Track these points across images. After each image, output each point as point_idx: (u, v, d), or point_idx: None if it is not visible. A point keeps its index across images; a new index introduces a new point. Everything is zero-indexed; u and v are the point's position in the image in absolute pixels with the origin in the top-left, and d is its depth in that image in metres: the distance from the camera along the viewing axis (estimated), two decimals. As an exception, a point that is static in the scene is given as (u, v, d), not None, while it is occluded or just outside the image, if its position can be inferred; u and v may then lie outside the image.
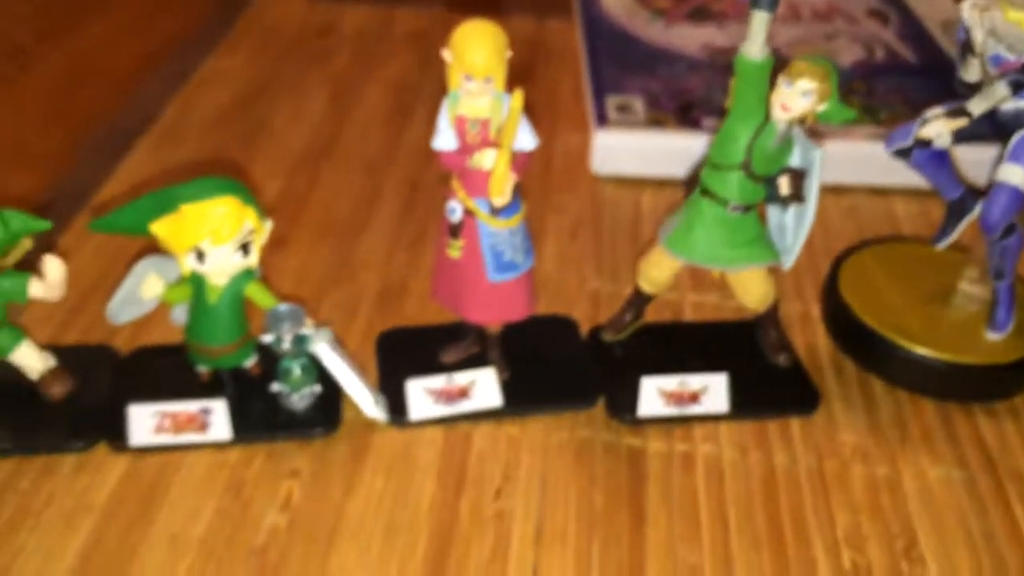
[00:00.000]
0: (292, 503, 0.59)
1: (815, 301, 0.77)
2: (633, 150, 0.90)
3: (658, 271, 0.67)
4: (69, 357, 0.66)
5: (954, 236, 0.69)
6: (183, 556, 0.56)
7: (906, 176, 0.89)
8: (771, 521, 0.59)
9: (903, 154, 0.66)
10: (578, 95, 1.03)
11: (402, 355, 0.69)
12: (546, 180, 0.91)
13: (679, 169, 0.89)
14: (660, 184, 0.90)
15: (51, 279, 0.60)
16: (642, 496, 0.61)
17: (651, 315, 0.73)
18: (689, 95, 0.94)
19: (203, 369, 0.65)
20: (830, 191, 0.89)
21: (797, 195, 0.61)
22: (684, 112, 0.92)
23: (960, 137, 0.63)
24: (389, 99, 1.03)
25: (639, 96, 0.94)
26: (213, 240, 0.57)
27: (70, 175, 0.87)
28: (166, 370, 0.67)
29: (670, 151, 0.89)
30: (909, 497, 0.61)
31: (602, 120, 0.90)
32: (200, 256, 0.58)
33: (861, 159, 0.89)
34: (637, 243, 0.83)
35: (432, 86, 1.05)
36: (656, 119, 0.91)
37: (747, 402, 0.66)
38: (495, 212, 0.60)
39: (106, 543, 0.57)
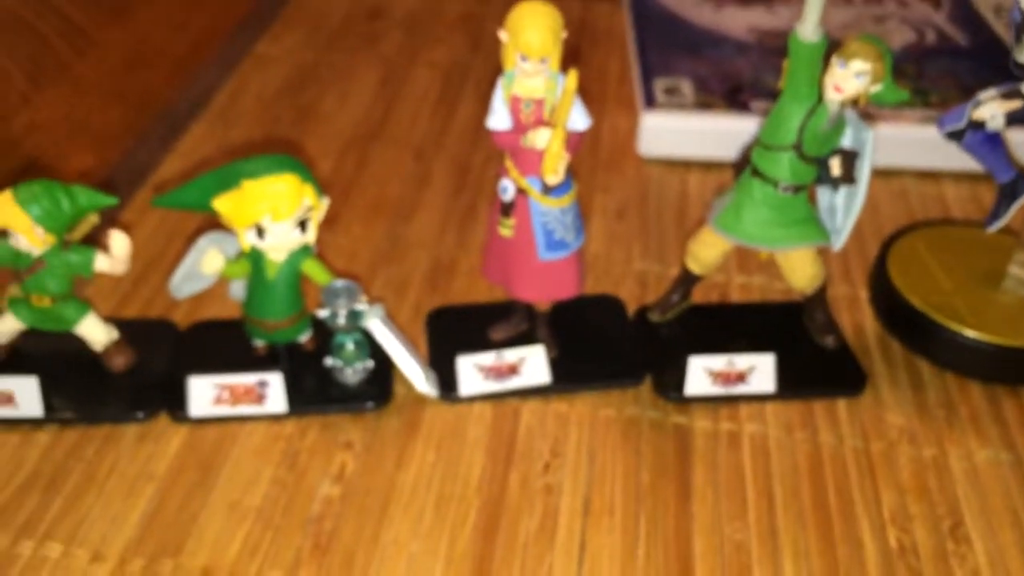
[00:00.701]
0: (345, 475, 0.61)
1: (863, 284, 0.77)
2: (680, 132, 0.90)
3: (707, 251, 0.68)
4: (131, 330, 0.68)
5: (1006, 219, 0.69)
6: (241, 524, 0.58)
7: (956, 160, 0.88)
8: (817, 500, 0.60)
9: (955, 136, 0.66)
10: (625, 77, 1.03)
11: (452, 332, 0.70)
12: (594, 161, 0.91)
13: (727, 152, 0.89)
14: (707, 167, 0.91)
15: (117, 253, 0.61)
16: (688, 473, 0.61)
17: (697, 296, 0.74)
18: (737, 77, 0.94)
19: (259, 343, 0.67)
20: (879, 174, 0.89)
21: (848, 176, 0.62)
22: (732, 94, 0.92)
23: (1014, 119, 0.63)
24: (438, 82, 1.04)
25: (687, 78, 0.94)
26: (273, 216, 0.59)
27: (129, 154, 0.89)
28: (224, 344, 0.69)
29: (718, 133, 0.89)
30: (956, 479, 0.61)
31: (650, 102, 0.90)
32: (260, 232, 0.60)
33: (911, 142, 0.89)
34: (683, 225, 0.84)
35: (481, 69, 1.06)
36: (704, 101, 0.91)
37: (794, 383, 0.67)
38: (547, 191, 0.61)
39: (167, 510, 0.59)
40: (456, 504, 0.59)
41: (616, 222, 0.84)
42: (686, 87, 0.93)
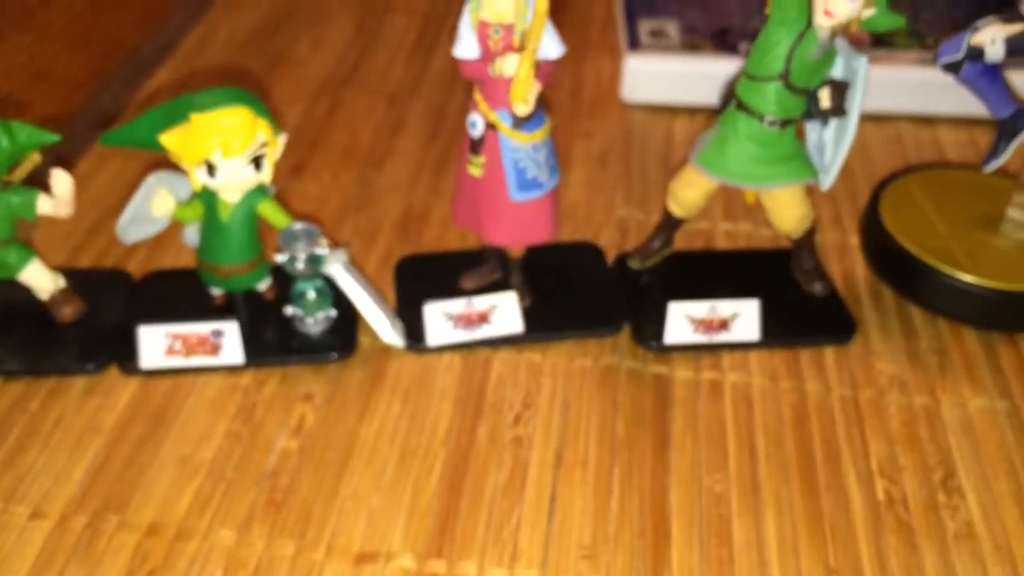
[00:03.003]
0: (305, 427, 0.58)
1: (854, 231, 0.74)
2: (666, 76, 0.86)
3: (689, 192, 0.64)
4: (82, 280, 0.65)
5: (1005, 157, 0.65)
6: (191, 479, 0.55)
7: (953, 103, 0.85)
8: (802, 450, 0.57)
9: (953, 68, 0.62)
10: (610, 23, 0.99)
11: (421, 281, 0.67)
12: (575, 107, 0.87)
13: (714, 97, 0.86)
14: (694, 112, 0.87)
15: (59, 193, 0.58)
16: (667, 423, 0.58)
17: (681, 244, 0.70)
18: (726, 19, 0.90)
19: (216, 292, 0.64)
20: (873, 120, 0.85)
21: (839, 108, 0.58)
22: (720, 37, 0.88)
23: (1014, 48, 0.59)
24: (416, 29, 1.00)
25: (673, 20, 0.90)
26: (224, 152, 0.55)
27: (92, 99, 0.86)
28: (180, 294, 0.65)
29: (705, 77, 0.85)
30: (948, 428, 0.58)
31: (634, 44, 0.86)
32: (211, 170, 0.56)
33: (905, 86, 0.85)
34: (668, 171, 0.80)
35: (459, 15, 1.01)
36: (691, 44, 0.87)
37: (779, 330, 0.63)
38: (518, 125, 0.57)
39: (113, 465, 0.55)
40: (421, 457, 0.56)
41: (597, 169, 0.80)
42: (672, 29, 0.89)
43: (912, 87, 0.85)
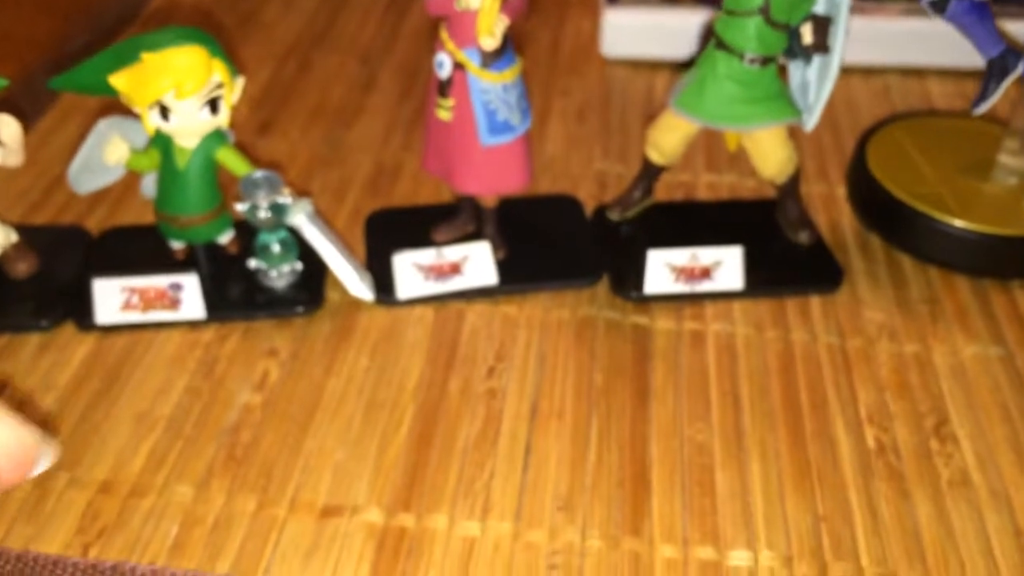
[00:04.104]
0: (268, 383, 0.55)
1: (840, 183, 0.71)
2: (647, 30, 0.83)
3: (669, 137, 0.62)
4: (37, 236, 0.62)
5: (994, 98, 0.63)
6: (148, 435, 0.52)
7: (941, 54, 0.83)
8: (788, 399, 0.54)
9: (938, 7, 0.59)
10: (589, -21, 0.96)
11: (392, 235, 0.64)
12: (553, 63, 0.85)
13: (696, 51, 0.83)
14: (676, 67, 0.84)
15: (7, 141, 0.55)
16: (647, 374, 0.56)
17: (662, 195, 0.68)
18: (707, -28, 0.88)
19: (177, 246, 0.61)
20: (860, 72, 0.83)
21: (822, 44, 0.55)
22: (701, -10, 0.85)
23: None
24: (389, -13, 0.97)
25: (653, -27, 0.87)
26: (177, 93, 0.52)
27: (53, 61, 0.83)
28: (139, 249, 0.62)
29: (687, 31, 0.82)
30: (940, 375, 0.56)
31: (613, -2, 0.84)
32: (164, 112, 0.53)
33: (893, 37, 0.82)
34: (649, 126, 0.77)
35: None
36: (671, -3, 0.84)
37: (764, 279, 0.61)
38: (487, 63, 0.55)
39: (65, 422, 0.53)
40: (389, 410, 0.54)
41: (576, 124, 0.78)
42: (652, -18, 0.86)
43: (900, 39, 0.82)
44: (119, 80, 0.53)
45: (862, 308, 0.60)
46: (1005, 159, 0.66)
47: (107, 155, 0.56)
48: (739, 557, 0.46)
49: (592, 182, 0.71)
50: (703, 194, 0.70)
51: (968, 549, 0.47)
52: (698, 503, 0.49)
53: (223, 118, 0.55)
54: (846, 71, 0.83)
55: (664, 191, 0.69)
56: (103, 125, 0.56)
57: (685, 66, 0.61)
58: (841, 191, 0.70)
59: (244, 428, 0.52)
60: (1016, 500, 0.49)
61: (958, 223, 0.61)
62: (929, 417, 0.53)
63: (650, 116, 0.78)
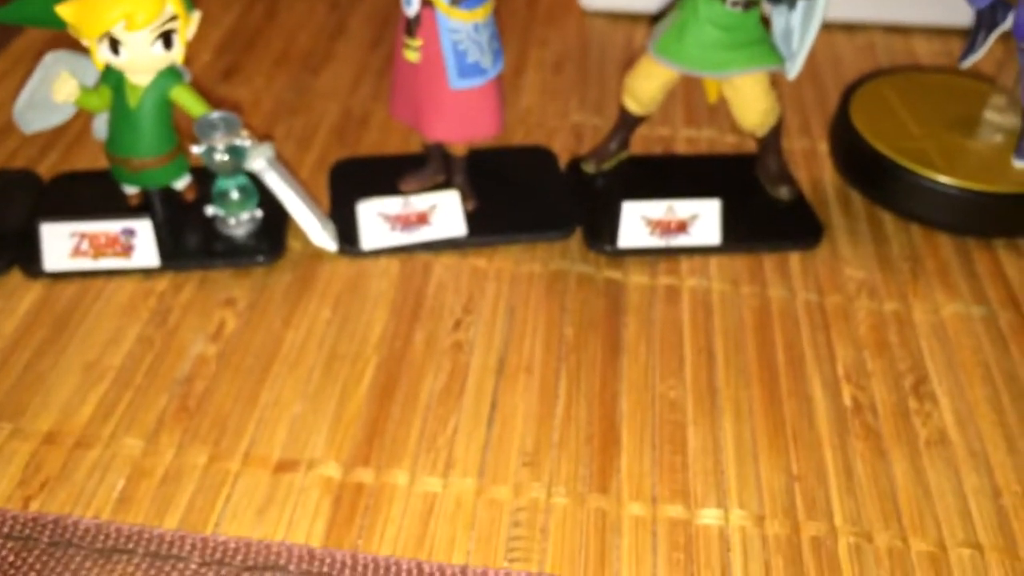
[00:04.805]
0: (224, 333, 0.53)
1: (823, 139, 0.69)
2: (626, -20, 0.81)
3: (646, 85, 0.59)
4: (-16, 180, 0.59)
5: (982, 52, 0.61)
6: (96, 385, 0.50)
7: (927, 11, 0.80)
8: (763, 356, 0.52)
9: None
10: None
11: (358, 185, 0.62)
12: (531, 15, 0.82)
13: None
14: (654, 19, 0.82)
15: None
16: (619, 329, 0.54)
17: (640, 149, 0.66)
18: (690, -78, 0.85)
19: (131, 191, 0.58)
20: (844, 29, 0.81)
21: (805, -13, 0.53)
22: (684, -60, 0.82)
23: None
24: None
25: (634, -78, 0.84)
26: (128, 24, 0.50)
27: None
28: (92, 195, 0.60)
29: (667, -18, 0.80)
30: (920, 333, 0.54)
31: (592, -54, 0.81)
32: (114, 45, 0.51)
33: (879, -7, 0.80)
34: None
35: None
36: (652, -53, 0.82)
37: (742, 235, 0.59)
38: (456, 1, 0.52)
39: (9, 371, 0.50)
40: (351, 363, 0.51)
41: (552, 75, 0.75)
42: (633, -69, 0.83)
43: (885, -6, 0.80)
44: (66, 10, 0.50)
45: (842, 265, 0.58)
46: (991, 116, 0.64)
47: (55, 91, 0.53)
48: (709, 516, 0.44)
49: (568, 134, 0.69)
50: (682, 149, 0.68)
51: (945, 509, 0.45)
52: (668, 460, 0.47)
53: (177, 54, 0.52)
54: (830, 27, 0.81)
55: (642, 145, 0.67)
56: (50, 59, 0.53)
57: (661, 16, 0.59)
58: (823, 147, 0.68)
59: (198, 379, 0.50)
60: (995, 460, 0.48)
61: (942, 179, 0.59)
62: (908, 376, 0.52)
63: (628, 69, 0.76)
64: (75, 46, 0.52)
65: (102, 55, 0.51)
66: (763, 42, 0.56)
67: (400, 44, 0.55)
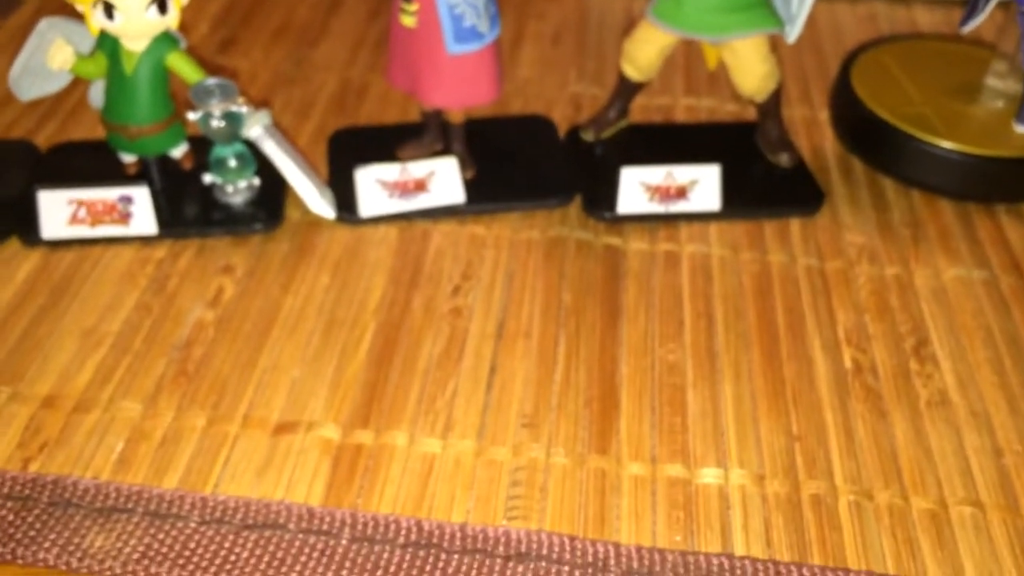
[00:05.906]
0: (223, 299, 0.53)
1: (823, 107, 0.69)
2: (625, -48, 0.80)
3: (644, 49, 0.59)
4: (-19, 150, 0.59)
5: (983, 17, 0.60)
6: (94, 350, 0.49)
7: (930, -20, 0.80)
8: (763, 320, 0.52)
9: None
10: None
11: (356, 154, 0.61)
12: (528, -13, 0.82)
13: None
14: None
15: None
16: (618, 294, 0.54)
17: (640, 118, 0.65)
18: None
19: (128, 159, 0.58)
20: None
21: (805, -52, 0.53)
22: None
23: None
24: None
25: None
26: (122, -12, 0.49)
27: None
28: (90, 164, 0.59)
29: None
30: (921, 297, 0.54)
31: (591, -83, 0.80)
32: (108, 10, 0.50)
33: (880, -38, 0.80)
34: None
35: None
36: (652, -82, 0.81)
37: (742, 201, 0.59)
38: (452, -36, 0.52)
39: (7, 337, 0.50)
40: (349, 328, 0.51)
41: (551, 48, 0.75)
42: (632, -98, 0.83)
43: (886, -36, 0.80)
44: (61, -26, 0.49)
45: (843, 231, 0.58)
46: (992, 82, 0.63)
47: (50, 58, 0.53)
48: (709, 475, 0.44)
49: (567, 104, 0.68)
50: (681, 117, 0.68)
51: (946, 468, 0.45)
52: (668, 422, 0.47)
53: (172, 19, 0.52)
54: (831, -4, 0.80)
55: (641, 114, 0.67)
56: (44, 25, 0.53)
57: None
58: (824, 115, 0.68)
59: (196, 345, 0.50)
60: (996, 420, 0.47)
61: (944, 144, 0.59)
62: (909, 339, 0.52)
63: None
64: (70, 12, 0.52)
65: (97, 20, 0.51)
66: (762, 5, 0.56)
67: (397, 9, 0.55)
